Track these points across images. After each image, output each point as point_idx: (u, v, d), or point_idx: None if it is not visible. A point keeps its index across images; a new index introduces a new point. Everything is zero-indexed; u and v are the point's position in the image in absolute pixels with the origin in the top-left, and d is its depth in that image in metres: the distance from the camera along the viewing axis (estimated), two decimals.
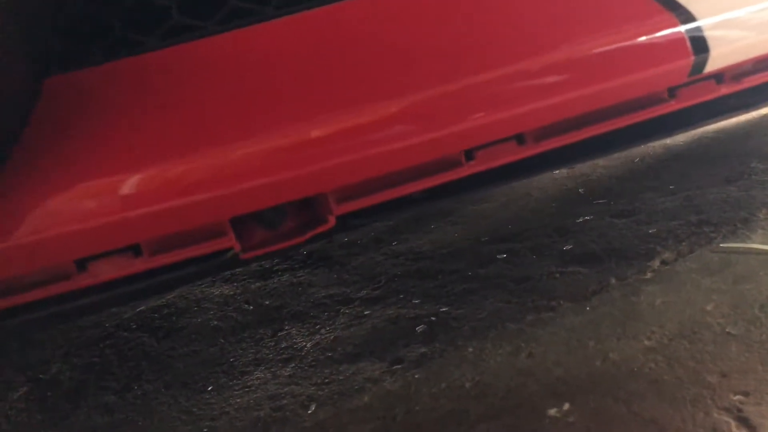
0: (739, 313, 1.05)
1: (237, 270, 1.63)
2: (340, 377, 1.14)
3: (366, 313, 1.35)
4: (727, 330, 1.02)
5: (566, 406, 0.94)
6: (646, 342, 1.04)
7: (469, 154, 0.66)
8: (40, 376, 1.42)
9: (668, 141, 1.87)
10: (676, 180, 1.63)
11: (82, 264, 0.62)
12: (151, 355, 1.41)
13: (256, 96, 0.61)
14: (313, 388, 1.13)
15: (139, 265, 0.63)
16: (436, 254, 1.55)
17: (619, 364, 1.00)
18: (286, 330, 1.36)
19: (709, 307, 1.09)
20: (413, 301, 1.35)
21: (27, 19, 0.59)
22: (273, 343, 1.32)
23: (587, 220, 1.53)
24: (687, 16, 0.65)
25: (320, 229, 0.67)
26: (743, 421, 0.85)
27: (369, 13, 0.63)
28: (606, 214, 1.54)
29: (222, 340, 1.40)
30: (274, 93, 0.61)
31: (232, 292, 1.62)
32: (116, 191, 0.59)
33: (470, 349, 1.12)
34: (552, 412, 0.94)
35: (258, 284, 1.63)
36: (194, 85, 0.62)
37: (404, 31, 0.63)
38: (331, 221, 0.66)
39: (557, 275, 1.31)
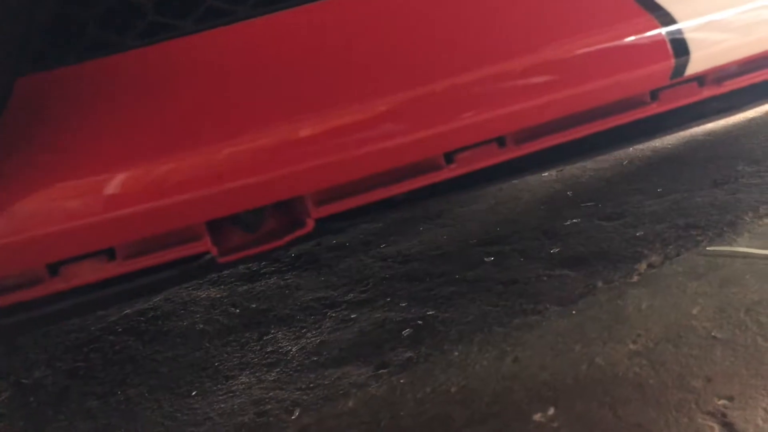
0: (725, 317, 1.05)
1: (224, 272, 1.62)
2: (325, 382, 1.13)
3: (353, 316, 1.34)
4: (712, 334, 1.02)
5: (551, 410, 0.94)
6: (632, 346, 1.03)
7: (449, 157, 0.66)
8: (23, 380, 1.40)
9: (656, 143, 1.88)
10: (664, 183, 1.63)
11: (53, 268, 0.61)
12: (136, 359, 1.40)
13: (232, 97, 0.60)
14: (297, 393, 1.12)
15: (113, 269, 0.62)
16: (424, 256, 1.54)
17: (605, 369, 0.99)
18: (272, 334, 1.35)
19: (695, 311, 1.08)
20: (400, 305, 1.34)
21: (0, 17, 0.58)
22: (258, 347, 1.31)
23: (575, 222, 1.53)
24: (667, 18, 0.65)
25: (299, 233, 0.66)
26: (728, 426, 0.84)
27: (347, 14, 0.62)
28: (594, 217, 1.54)
29: (208, 344, 1.39)
30: (251, 94, 0.60)
31: (218, 295, 1.61)
32: (88, 194, 0.58)
33: (456, 353, 1.11)
34: (537, 416, 0.93)
35: (245, 287, 1.61)
36: (170, 86, 0.61)
37: (382, 33, 0.62)
38: (310, 224, 0.65)
39: (544, 278, 1.30)
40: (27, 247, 0.57)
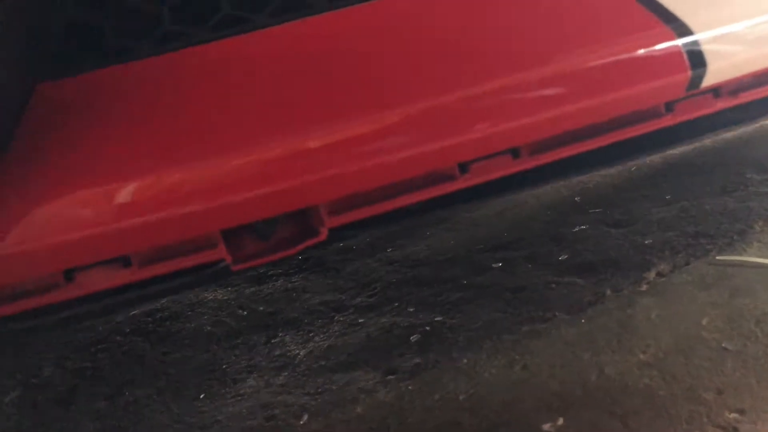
0: (735, 327, 1.04)
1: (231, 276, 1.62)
2: (333, 387, 1.13)
3: (360, 320, 1.34)
4: (722, 345, 1.01)
5: (560, 420, 0.93)
6: (642, 356, 1.03)
7: (464, 167, 0.66)
8: (32, 380, 1.40)
9: None
10: (672, 189, 1.63)
11: (70, 274, 0.62)
12: (144, 360, 1.40)
13: (248, 106, 0.60)
14: (306, 398, 1.12)
15: (128, 276, 0.62)
16: (431, 261, 1.54)
17: (614, 379, 0.99)
18: (280, 337, 1.35)
19: (704, 321, 1.08)
20: (408, 309, 1.34)
21: (21, 24, 0.58)
22: (266, 350, 1.31)
23: (583, 229, 1.53)
24: (684, 30, 0.65)
25: (312, 241, 0.66)
26: None
27: (363, 26, 0.62)
28: (602, 224, 1.53)
29: (215, 346, 1.39)
30: (267, 104, 0.61)
31: (226, 297, 1.61)
32: (105, 202, 0.58)
33: (465, 361, 1.11)
34: (546, 426, 0.93)
35: (252, 289, 1.61)
36: (186, 94, 0.61)
37: (398, 44, 0.62)
38: (324, 233, 0.65)
39: (553, 285, 1.30)
40: (44, 254, 0.58)
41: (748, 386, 0.92)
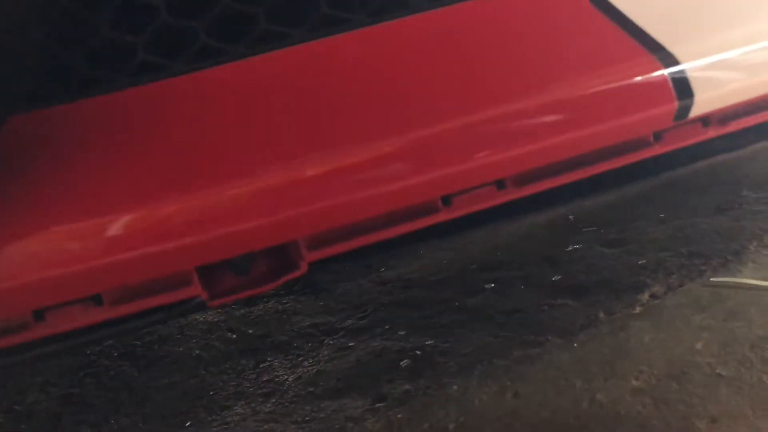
0: (729, 352, 1.03)
1: None
2: (321, 415, 1.11)
3: (350, 344, 1.32)
4: (717, 371, 0.99)
5: None
6: (635, 382, 1.01)
7: (446, 200, 0.64)
8: (15, 406, 1.38)
9: None
10: (666, 208, 1.61)
11: (39, 314, 0.60)
12: (131, 385, 1.38)
13: (223, 141, 0.59)
14: (293, 426, 1.10)
15: (100, 314, 0.60)
16: (424, 282, 1.52)
17: (607, 407, 0.97)
18: (269, 362, 1.33)
19: (698, 346, 1.06)
20: (399, 333, 1.32)
21: None
22: (254, 376, 1.29)
23: (577, 249, 1.51)
24: (670, 60, 0.63)
25: (292, 276, 0.64)
26: None
27: (342, 57, 0.61)
28: (596, 243, 1.52)
29: (203, 371, 1.36)
30: (242, 138, 0.59)
31: (215, 319, 1.59)
32: (76, 240, 0.56)
33: (455, 387, 1.09)
34: None
35: (242, 311, 1.59)
36: (159, 128, 0.59)
37: (378, 77, 0.61)
38: (303, 267, 0.64)
39: (545, 308, 1.28)
40: (12, 295, 0.56)
41: (743, 415, 0.90)
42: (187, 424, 1.19)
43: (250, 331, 1.49)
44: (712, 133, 0.69)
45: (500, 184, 0.65)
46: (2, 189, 0.56)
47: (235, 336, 1.48)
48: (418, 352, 1.22)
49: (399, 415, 1.06)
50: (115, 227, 0.56)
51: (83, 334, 0.61)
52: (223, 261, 0.64)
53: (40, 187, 0.57)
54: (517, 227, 1.69)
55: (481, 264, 1.54)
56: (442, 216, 0.64)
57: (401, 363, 1.20)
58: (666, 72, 0.63)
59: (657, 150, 0.68)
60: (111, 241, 0.56)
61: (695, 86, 0.63)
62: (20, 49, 0.61)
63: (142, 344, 1.54)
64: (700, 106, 0.64)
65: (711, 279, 1.24)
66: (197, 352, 1.45)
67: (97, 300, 0.60)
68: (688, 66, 0.64)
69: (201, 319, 1.59)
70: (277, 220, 0.58)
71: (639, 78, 0.63)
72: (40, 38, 0.60)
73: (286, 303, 1.58)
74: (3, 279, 0.55)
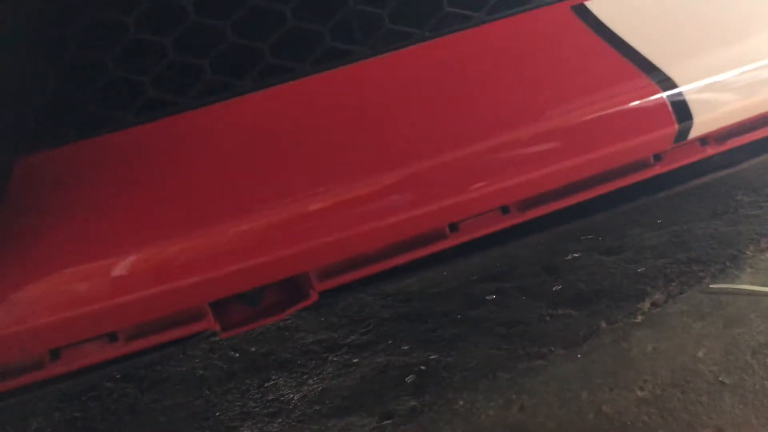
0: (731, 360, 1.04)
1: None
2: None
3: (354, 360, 1.32)
4: (720, 379, 1.01)
5: None
6: (639, 392, 1.02)
7: (454, 226, 0.65)
8: None
9: None
10: (662, 213, 1.63)
11: (55, 353, 0.60)
12: (135, 408, 1.37)
13: (234, 177, 0.59)
14: None
15: (115, 351, 0.61)
16: (425, 295, 1.53)
17: (612, 418, 0.98)
18: (273, 380, 1.33)
19: (700, 354, 1.07)
20: (402, 348, 1.32)
21: None
22: (259, 395, 1.29)
23: (576, 257, 1.52)
24: (668, 83, 0.65)
25: (302, 305, 0.65)
26: None
27: (347, 90, 0.61)
28: (594, 251, 1.53)
29: (208, 392, 1.36)
30: (254, 173, 0.60)
31: (218, 338, 1.58)
32: (90, 280, 0.56)
33: (461, 402, 1.10)
34: None
35: None
36: (172, 165, 0.60)
37: (384, 108, 0.62)
38: (314, 296, 0.64)
39: (547, 318, 1.29)
40: (28, 336, 0.56)
41: (747, 423, 0.91)
42: None
43: (253, 350, 1.49)
44: (710, 151, 0.70)
45: (504, 209, 0.66)
46: (17, 230, 0.57)
47: (237, 355, 1.48)
48: (422, 367, 1.23)
49: None
50: (130, 266, 0.57)
51: (96, 369, 0.61)
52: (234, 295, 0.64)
53: (53, 230, 0.58)
54: (513, 246, 1.69)
55: (480, 275, 1.55)
56: (450, 242, 0.65)
57: (406, 379, 1.21)
58: (665, 95, 0.64)
59: (657, 170, 0.69)
60: (126, 281, 0.57)
61: (694, 109, 0.65)
62: (26, 92, 0.61)
63: (144, 366, 1.53)
64: (699, 128, 0.66)
65: (710, 286, 1.25)
66: (200, 372, 1.45)
67: (112, 337, 0.61)
68: (686, 89, 0.65)
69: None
70: (292, 253, 0.59)
71: (639, 103, 0.64)
72: (49, 79, 0.61)
73: (287, 320, 1.58)
74: (19, 321, 0.56)
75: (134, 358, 0.63)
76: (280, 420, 1.19)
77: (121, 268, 0.56)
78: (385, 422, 1.10)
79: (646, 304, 1.25)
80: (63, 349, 0.60)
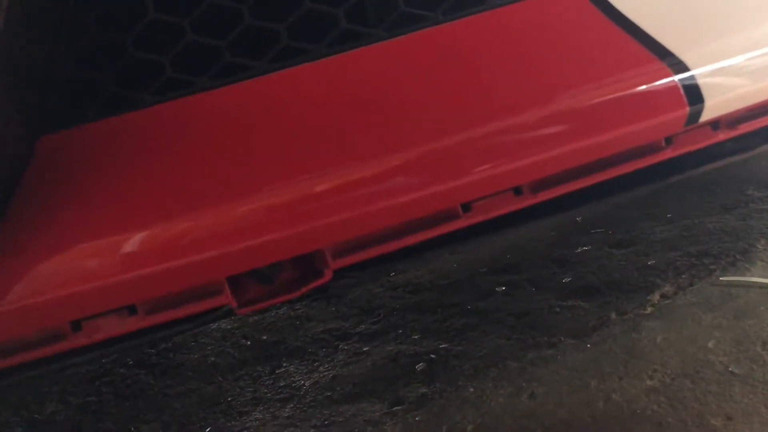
0: (741, 350, 1.04)
1: None
2: (340, 419, 1.12)
3: (365, 349, 1.33)
4: (729, 369, 1.01)
5: None
6: (649, 381, 1.02)
7: (466, 206, 0.66)
8: (36, 416, 1.39)
9: None
10: (673, 207, 1.63)
11: (77, 324, 0.62)
12: (148, 393, 1.39)
13: (251, 154, 0.61)
14: (312, 431, 1.12)
15: (134, 324, 0.62)
16: (434, 286, 1.54)
17: (622, 406, 0.99)
18: (285, 367, 1.34)
19: (710, 344, 1.07)
20: (413, 337, 1.33)
21: (20, 77, 0.59)
22: (271, 381, 1.31)
23: (586, 250, 1.52)
24: (681, 66, 0.65)
25: (317, 283, 0.66)
26: None
27: (364, 70, 0.63)
28: (604, 244, 1.53)
29: (220, 378, 1.38)
30: (269, 150, 0.61)
31: (229, 326, 1.60)
32: (111, 253, 0.58)
33: (471, 389, 1.11)
34: None
35: (255, 318, 1.61)
36: (190, 143, 0.61)
37: (397, 87, 0.63)
38: (328, 275, 0.66)
39: (557, 309, 1.30)
40: (50, 307, 0.58)
41: (757, 412, 0.91)
42: (207, 430, 1.20)
43: (264, 338, 1.50)
44: (722, 136, 0.71)
45: (517, 191, 0.67)
46: (41, 205, 0.58)
47: (249, 343, 1.50)
48: (433, 356, 1.24)
49: (417, 418, 1.07)
50: (151, 240, 0.58)
51: (116, 342, 0.63)
52: (250, 271, 0.66)
53: (74, 204, 0.59)
54: (526, 229, 1.70)
55: (490, 267, 1.55)
56: (463, 222, 0.66)
57: (417, 367, 1.22)
58: (677, 78, 0.65)
59: (668, 153, 0.69)
60: (147, 254, 0.58)
61: (705, 92, 0.65)
62: (47, 71, 0.63)
63: (156, 352, 1.55)
64: (710, 111, 0.66)
65: (720, 278, 1.25)
66: (212, 359, 1.47)
67: (131, 309, 0.62)
68: (698, 72, 0.65)
69: (214, 326, 1.61)
70: (309, 229, 0.60)
71: (651, 85, 0.65)
72: (70, 60, 0.62)
73: (298, 309, 1.60)
74: (42, 292, 0.57)
75: (153, 333, 0.64)
76: (291, 405, 1.20)
77: (139, 241, 0.58)
78: (396, 408, 1.11)
79: (656, 296, 1.25)
80: (84, 321, 0.62)
